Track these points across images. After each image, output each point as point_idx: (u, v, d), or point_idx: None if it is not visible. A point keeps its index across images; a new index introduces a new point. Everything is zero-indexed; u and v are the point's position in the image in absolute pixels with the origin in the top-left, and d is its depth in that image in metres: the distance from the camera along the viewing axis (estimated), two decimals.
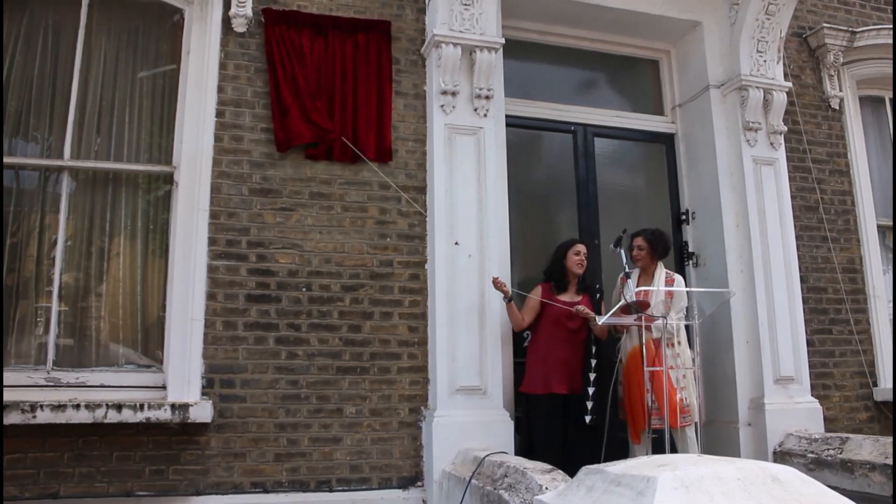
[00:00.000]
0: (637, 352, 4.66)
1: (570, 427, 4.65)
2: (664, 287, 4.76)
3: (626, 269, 4.62)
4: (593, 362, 4.74)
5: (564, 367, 4.67)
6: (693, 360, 4.81)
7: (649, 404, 4.40)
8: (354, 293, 4.65)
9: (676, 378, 4.62)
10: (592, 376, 4.69)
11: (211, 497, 4.20)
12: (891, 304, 6.05)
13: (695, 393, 4.73)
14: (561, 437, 4.61)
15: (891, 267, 6.29)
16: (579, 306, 4.68)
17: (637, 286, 4.69)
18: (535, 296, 4.80)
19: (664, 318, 4.47)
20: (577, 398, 4.67)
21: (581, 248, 4.87)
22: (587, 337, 4.79)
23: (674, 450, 4.48)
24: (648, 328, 4.47)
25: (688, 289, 4.92)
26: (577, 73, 6.11)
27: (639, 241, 4.96)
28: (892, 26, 6.26)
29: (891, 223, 6.26)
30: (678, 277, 4.96)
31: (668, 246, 5.04)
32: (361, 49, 4.92)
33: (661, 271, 4.92)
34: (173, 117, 4.68)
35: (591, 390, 4.66)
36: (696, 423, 4.68)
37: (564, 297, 4.77)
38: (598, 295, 4.91)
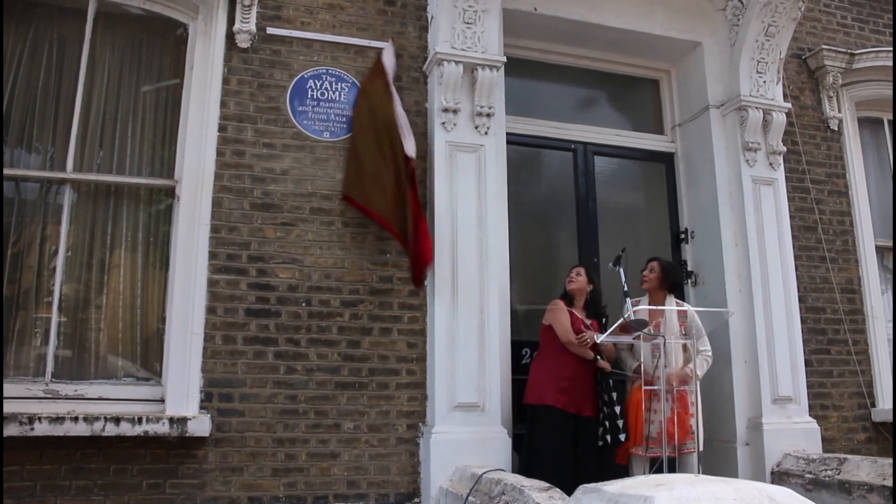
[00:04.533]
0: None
1: (578, 447, 4.61)
2: (675, 315, 4.73)
3: (625, 289, 4.62)
4: (611, 382, 4.73)
5: (574, 385, 4.64)
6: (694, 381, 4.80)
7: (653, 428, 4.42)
8: (354, 308, 4.66)
9: (692, 402, 4.61)
10: (614, 395, 4.67)
11: None
12: (889, 325, 6.05)
13: (700, 418, 4.69)
14: (566, 455, 4.57)
15: (889, 287, 6.30)
16: (584, 334, 4.66)
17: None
18: (563, 315, 4.76)
19: (662, 336, 4.48)
20: (587, 419, 4.65)
21: (574, 269, 4.93)
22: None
23: (672, 469, 4.48)
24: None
25: (687, 308, 4.92)
26: (578, 91, 6.16)
27: (653, 263, 4.95)
28: (891, 49, 6.31)
29: (889, 244, 6.28)
30: (690, 309, 4.89)
31: (679, 282, 5.02)
32: None
33: (672, 301, 4.89)
34: (176, 131, 4.71)
35: (607, 411, 4.65)
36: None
37: (575, 312, 4.81)
38: (603, 319, 4.91)
